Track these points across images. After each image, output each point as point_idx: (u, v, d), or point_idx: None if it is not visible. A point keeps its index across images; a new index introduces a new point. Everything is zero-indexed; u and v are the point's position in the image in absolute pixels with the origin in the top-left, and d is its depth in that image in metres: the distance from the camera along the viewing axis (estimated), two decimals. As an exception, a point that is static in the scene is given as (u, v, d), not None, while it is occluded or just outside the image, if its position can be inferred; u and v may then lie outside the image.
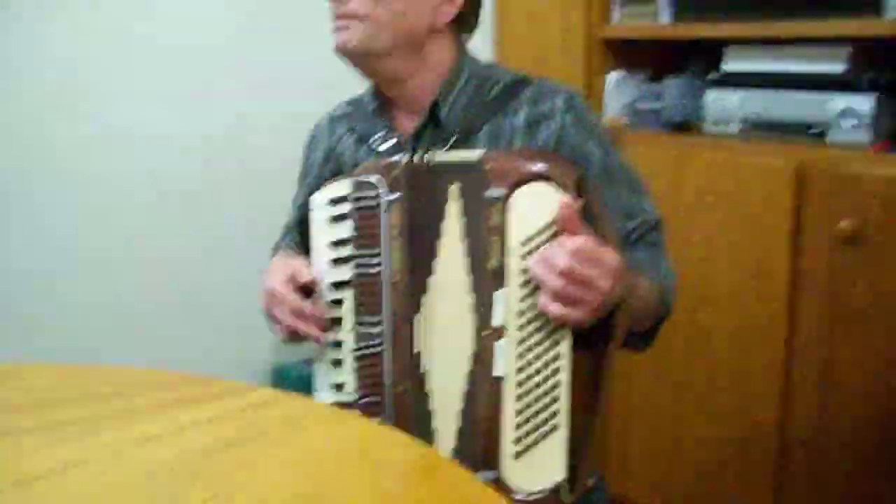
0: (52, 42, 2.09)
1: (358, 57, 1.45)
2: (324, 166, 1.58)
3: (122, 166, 2.20)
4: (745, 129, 2.17)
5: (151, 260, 2.23)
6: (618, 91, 2.45)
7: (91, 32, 2.14)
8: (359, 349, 1.32)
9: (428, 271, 1.29)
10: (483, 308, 1.23)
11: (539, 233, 1.19)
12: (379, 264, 1.31)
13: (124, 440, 1.03)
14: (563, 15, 2.51)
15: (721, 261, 2.11)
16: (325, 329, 1.35)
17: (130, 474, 0.95)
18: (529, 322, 1.19)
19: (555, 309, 1.16)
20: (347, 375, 1.33)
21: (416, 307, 1.29)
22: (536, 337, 1.19)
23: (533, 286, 1.18)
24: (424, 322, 1.28)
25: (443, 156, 1.32)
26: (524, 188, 1.21)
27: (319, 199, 1.37)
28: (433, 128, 1.46)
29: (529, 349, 1.19)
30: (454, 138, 1.42)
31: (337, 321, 1.34)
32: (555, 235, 1.19)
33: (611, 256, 1.18)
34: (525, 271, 1.19)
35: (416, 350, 1.28)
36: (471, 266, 1.26)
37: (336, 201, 1.35)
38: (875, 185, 1.87)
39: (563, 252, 1.15)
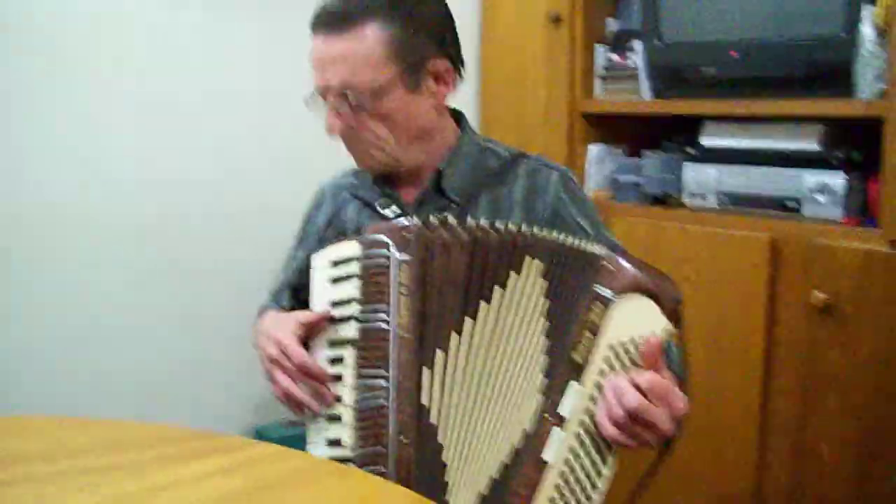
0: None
1: (382, 171, 1.53)
2: (325, 230, 1.62)
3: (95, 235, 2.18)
4: (723, 203, 2.23)
5: (132, 322, 2.22)
6: (598, 164, 2.52)
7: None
8: (361, 401, 1.31)
9: (449, 328, 1.28)
10: (552, 393, 1.23)
11: (630, 346, 1.21)
12: (387, 320, 1.31)
13: (140, 490, 1.04)
14: (547, 89, 2.58)
15: (698, 330, 2.16)
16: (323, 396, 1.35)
17: (146, 522, 0.96)
18: (590, 425, 1.21)
19: (612, 433, 1.19)
20: (345, 430, 1.31)
21: (428, 362, 1.28)
22: (590, 440, 1.21)
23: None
24: (436, 377, 1.28)
25: (551, 234, 1.30)
26: (633, 299, 1.21)
27: (322, 258, 1.39)
28: (435, 196, 1.52)
29: (582, 446, 1.21)
30: (456, 207, 1.47)
31: (335, 378, 1.34)
32: (638, 353, 1.21)
33: (679, 400, 1.21)
34: (602, 374, 1.21)
35: (423, 403, 1.27)
36: (549, 347, 1.26)
37: (340, 262, 1.36)
38: (847, 258, 1.93)
39: (634, 391, 1.18)
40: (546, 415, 1.22)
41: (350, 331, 1.34)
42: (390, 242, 1.33)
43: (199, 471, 1.10)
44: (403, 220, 1.36)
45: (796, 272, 2.03)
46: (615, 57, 2.52)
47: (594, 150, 2.53)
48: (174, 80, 2.24)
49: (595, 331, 1.21)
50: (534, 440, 1.23)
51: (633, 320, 1.21)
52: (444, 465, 1.26)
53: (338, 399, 1.34)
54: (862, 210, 2.05)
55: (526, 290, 1.28)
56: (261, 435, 2.60)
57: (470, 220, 1.32)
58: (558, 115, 2.57)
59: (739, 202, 2.21)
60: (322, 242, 1.51)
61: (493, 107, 2.75)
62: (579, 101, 2.55)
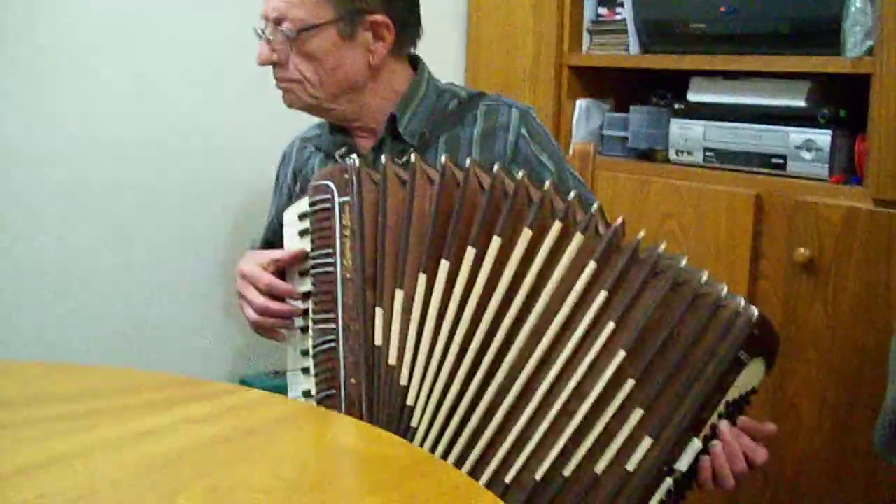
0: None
1: (306, 111, 1.56)
2: (293, 185, 1.65)
3: (85, 176, 2.15)
4: (708, 159, 2.24)
5: (115, 270, 2.20)
6: (585, 117, 2.52)
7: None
8: (315, 346, 1.31)
9: (415, 268, 1.25)
10: (670, 444, 1.17)
11: (738, 401, 1.22)
12: (332, 263, 1.30)
13: (123, 435, 1.04)
14: (534, 43, 2.57)
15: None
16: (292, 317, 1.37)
17: (132, 466, 0.97)
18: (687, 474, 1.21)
19: (730, 484, 1.21)
20: (313, 381, 1.31)
21: (383, 302, 1.26)
22: (680, 488, 1.21)
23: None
24: (396, 318, 1.25)
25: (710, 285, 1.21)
26: (758, 360, 1.20)
27: (289, 214, 1.40)
28: (392, 141, 1.54)
29: (677, 490, 1.21)
30: (411, 149, 1.47)
31: (305, 330, 1.35)
32: (740, 407, 1.23)
33: (763, 459, 1.24)
34: (711, 427, 1.20)
35: (376, 344, 1.26)
36: (654, 387, 1.19)
37: (303, 216, 1.37)
38: (831, 215, 1.94)
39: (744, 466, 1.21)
40: (663, 466, 1.17)
41: (308, 284, 1.35)
42: (332, 185, 1.33)
43: (183, 416, 1.10)
44: (348, 163, 1.34)
45: (781, 229, 2.04)
46: (603, 10, 2.51)
47: (581, 104, 2.52)
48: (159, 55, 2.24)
49: (724, 391, 1.19)
50: (636, 482, 1.17)
51: (749, 377, 1.21)
52: (410, 408, 1.24)
53: (306, 352, 1.34)
54: (848, 168, 2.05)
55: (560, 259, 1.22)
56: (245, 384, 2.62)
57: (442, 158, 1.29)
58: (546, 68, 2.56)
59: (725, 158, 2.21)
60: (291, 198, 1.53)
61: (480, 60, 2.74)
62: (567, 55, 2.53)
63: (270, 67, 1.53)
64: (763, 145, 2.14)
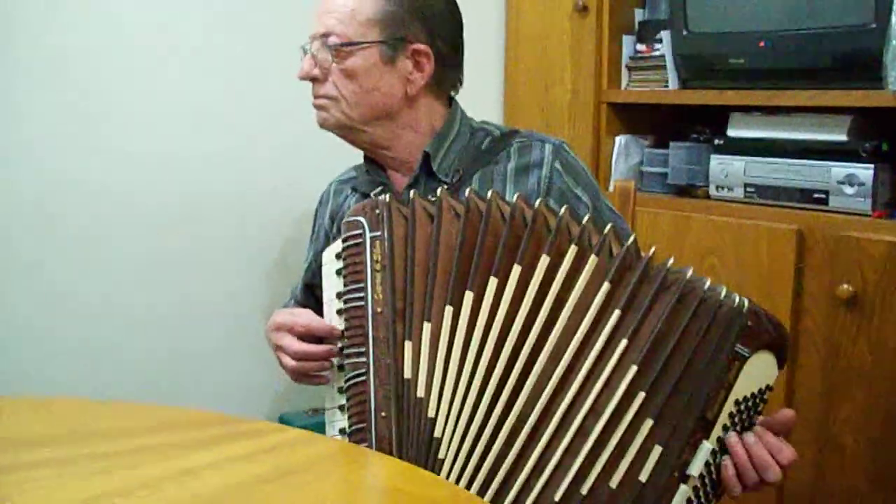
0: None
1: (337, 132, 1.57)
2: (331, 228, 1.67)
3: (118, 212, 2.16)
4: (749, 194, 2.22)
5: (156, 308, 2.22)
6: (624, 154, 2.52)
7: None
8: (347, 380, 1.32)
9: (442, 301, 1.26)
10: (677, 448, 1.18)
11: (749, 400, 1.22)
12: (363, 297, 1.31)
13: (165, 474, 1.04)
14: (572, 79, 2.58)
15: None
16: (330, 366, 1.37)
17: (175, 504, 0.97)
18: (707, 481, 1.21)
19: (737, 493, 1.21)
20: (346, 417, 1.32)
21: (412, 335, 1.27)
22: (703, 494, 1.21)
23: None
24: (424, 350, 1.26)
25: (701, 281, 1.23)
26: (762, 354, 1.21)
27: (327, 254, 1.41)
28: (426, 178, 1.55)
29: (696, 498, 1.20)
30: (448, 187, 1.48)
31: (342, 368, 1.36)
32: (755, 406, 1.23)
33: (790, 456, 1.23)
34: (726, 429, 1.20)
35: (406, 377, 1.27)
36: (659, 392, 1.19)
37: (339, 255, 1.38)
38: (874, 250, 1.92)
39: (777, 468, 1.20)
40: (674, 472, 1.18)
41: (343, 321, 1.36)
42: (363, 220, 1.34)
43: (226, 455, 1.10)
44: (379, 199, 1.36)
45: (823, 264, 2.02)
46: (642, 47, 2.51)
47: (620, 140, 2.52)
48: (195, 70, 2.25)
49: (728, 389, 1.19)
50: (651, 492, 1.18)
51: (758, 375, 1.21)
52: (437, 441, 1.25)
53: (341, 368, 1.35)
54: (891, 202, 2.03)
55: (576, 282, 1.24)
56: (284, 423, 2.62)
57: (466, 191, 1.32)
58: (584, 105, 2.56)
59: (766, 194, 2.19)
60: (328, 241, 1.54)
61: (518, 96, 2.75)
62: (605, 91, 2.54)
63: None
64: (804, 180, 2.12)
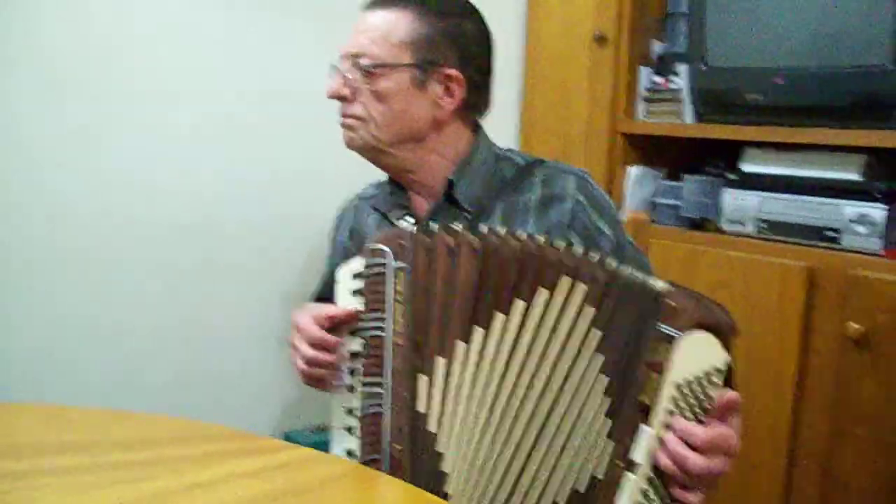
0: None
1: (364, 153, 1.56)
2: (349, 243, 1.67)
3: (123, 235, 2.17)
4: (761, 230, 2.23)
5: (163, 323, 2.22)
6: (638, 185, 2.53)
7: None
8: (363, 410, 1.31)
9: (454, 336, 1.27)
10: (620, 436, 1.20)
11: (695, 385, 1.21)
12: (383, 328, 1.31)
13: (177, 487, 1.05)
14: (589, 109, 2.59)
15: (731, 355, 2.15)
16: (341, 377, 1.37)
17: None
18: (657, 470, 1.21)
19: (678, 495, 1.21)
20: (355, 441, 1.32)
21: (426, 369, 1.27)
22: (660, 483, 1.21)
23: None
24: (436, 384, 1.27)
25: (596, 257, 1.28)
26: (695, 333, 1.20)
27: (343, 272, 1.40)
28: (448, 206, 1.55)
29: (653, 489, 1.20)
30: (470, 216, 1.49)
31: (352, 389, 1.36)
32: (702, 389, 1.21)
33: (735, 443, 1.24)
34: (670, 414, 1.20)
35: (419, 410, 1.27)
36: (609, 386, 1.23)
37: (357, 275, 1.38)
38: (885, 290, 1.93)
39: (695, 459, 1.18)
40: (618, 461, 1.19)
41: (357, 344, 1.36)
42: (388, 250, 1.34)
43: (237, 471, 1.11)
44: (403, 228, 1.38)
45: (832, 303, 2.02)
46: (659, 79, 2.53)
47: (634, 171, 2.53)
48: (208, 79, 2.26)
49: (660, 370, 1.20)
50: (604, 486, 1.20)
51: (696, 356, 1.20)
52: (444, 475, 1.25)
53: (351, 411, 1.35)
54: (902, 243, 2.03)
55: (567, 312, 1.26)
56: (289, 439, 2.62)
57: (482, 227, 1.33)
58: (600, 135, 2.58)
59: (778, 230, 2.20)
60: (346, 255, 1.54)
61: (535, 125, 2.76)
62: (621, 122, 2.55)
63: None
64: (816, 218, 2.13)
